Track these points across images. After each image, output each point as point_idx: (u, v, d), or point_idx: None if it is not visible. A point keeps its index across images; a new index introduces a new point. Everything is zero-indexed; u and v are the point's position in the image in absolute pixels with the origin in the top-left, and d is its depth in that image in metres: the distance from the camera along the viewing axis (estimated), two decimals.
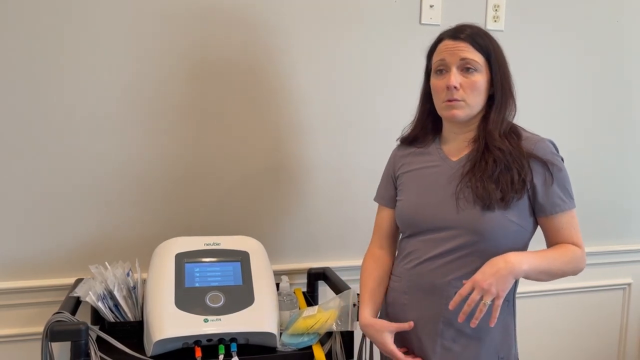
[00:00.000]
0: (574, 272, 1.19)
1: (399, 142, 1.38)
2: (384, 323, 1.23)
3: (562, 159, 1.19)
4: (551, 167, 1.16)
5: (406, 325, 1.21)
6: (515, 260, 1.08)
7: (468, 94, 1.17)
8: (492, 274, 1.06)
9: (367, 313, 1.26)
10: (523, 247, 1.21)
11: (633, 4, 1.97)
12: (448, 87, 1.17)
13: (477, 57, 1.17)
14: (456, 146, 1.25)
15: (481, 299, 1.06)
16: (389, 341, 1.22)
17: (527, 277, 1.13)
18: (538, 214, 1.19)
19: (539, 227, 1.23)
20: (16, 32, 1.44)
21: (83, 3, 1.48)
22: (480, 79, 1.18)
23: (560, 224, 1.18)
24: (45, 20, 1.46)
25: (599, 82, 1.97)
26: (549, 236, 1.21)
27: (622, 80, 2.00)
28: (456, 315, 1.19)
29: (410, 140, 1.34)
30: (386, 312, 1.35)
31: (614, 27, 1.96)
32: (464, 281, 1.10)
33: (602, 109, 1.99)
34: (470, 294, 1.08)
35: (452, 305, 1.10)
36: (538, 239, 1.23)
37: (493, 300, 1.06)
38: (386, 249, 1.37)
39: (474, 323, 1.07)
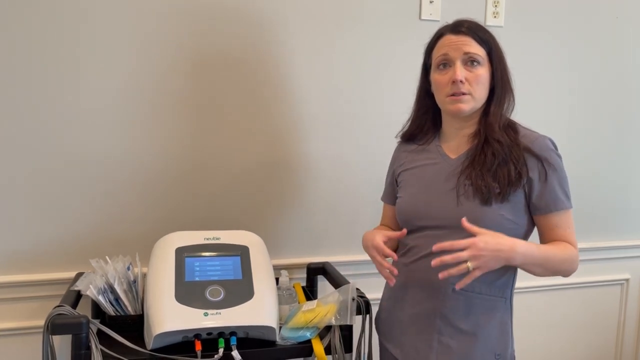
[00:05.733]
0: (566, 274, 1.19)
1: (399, 140, 1.38)
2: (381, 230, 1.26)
3: (561, 157, 1.18)
4: (546, 164, 1.16)
5: (398, 234, 1.21)
6: (519, 252, 1.08)
7: (474, 87, 1.18)
8: (493, 250, 1.05)
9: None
10: None
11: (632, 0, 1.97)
12: (454, 81, 1.17)
13: (479, 51, 1.18)
14: (456, 143, 1.26)
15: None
16: (379, 238, 1.20)
17: (517, 266, 1.14)
18: (533, 212, 1.19)
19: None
20: (17, 29, 1.44)
21: None
22: (484, 72, 1.18)
23: (554, 223, 1.18)
24: (46, 17, 1.46)
25: (599, 78, 1.97)
26: (542, 235, 1.21)
27: (621, 76, 2.00)
28: (453, 312, 1.20)
29: (408, 137, 1.35)
30: (384, 306, 1.36)
31: (614, 23, 1.96)
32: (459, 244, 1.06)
33: (601, 105, 1.99)
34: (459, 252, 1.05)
35: (436, 247, 1.06)
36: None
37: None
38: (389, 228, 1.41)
39: (442, 274, 1.05)
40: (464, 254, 1.04)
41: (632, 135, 2.05)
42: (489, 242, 1.05)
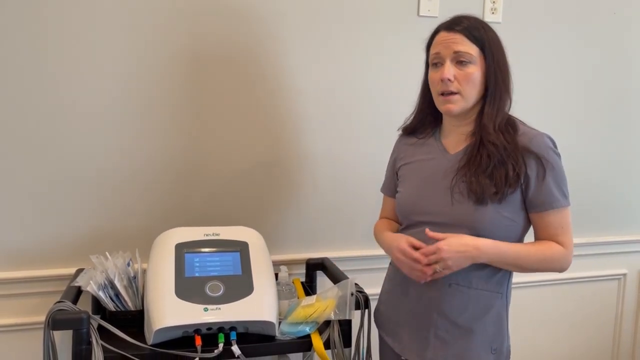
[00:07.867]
0: (553, 271, 1.20)
1: (400, 132, 1.39)
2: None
3: (559, 155, 1.18)
4: (545, 162, 1.15)
5: (418, 244, 1.22)
6: (484, 251, 1.14)
7: (463, 86, 1.17)
8: (457, 251, 1.12)
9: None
10: (516, 241, 1.21)
11: None
12: (442, 80, 1.17)
13: (471, 49, 1.17)
14: (455, 139, 1.26)
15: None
16: (403, 243, 1.21)
17: (491, 264, 1.18)
18: (529, 209, 1.19)
19: None
20: (16, 29, 1.44)
21: None
22: (475, 71, 1.17)
23: (549, 221, 1.18)
24: (45, 16, 1.46)
25: (597, 74, 1.98)
26: (536, 231, 1.21)
27: (619, 72, 2.00)
28: (450, 306, 1.21)
29: (410, 131, 1.35)
30: (383, 300, 1.36)
31: (612, 19, 1.96)
32: (437, 245, 1.14)
33: (600, 101, 2.00)
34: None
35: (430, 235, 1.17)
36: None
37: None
38: (393, 221, 1.42)
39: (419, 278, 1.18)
40: (433, 258, 1.14)
41: (629, 130, 2.05)
42: (453, 244, 1.13)
